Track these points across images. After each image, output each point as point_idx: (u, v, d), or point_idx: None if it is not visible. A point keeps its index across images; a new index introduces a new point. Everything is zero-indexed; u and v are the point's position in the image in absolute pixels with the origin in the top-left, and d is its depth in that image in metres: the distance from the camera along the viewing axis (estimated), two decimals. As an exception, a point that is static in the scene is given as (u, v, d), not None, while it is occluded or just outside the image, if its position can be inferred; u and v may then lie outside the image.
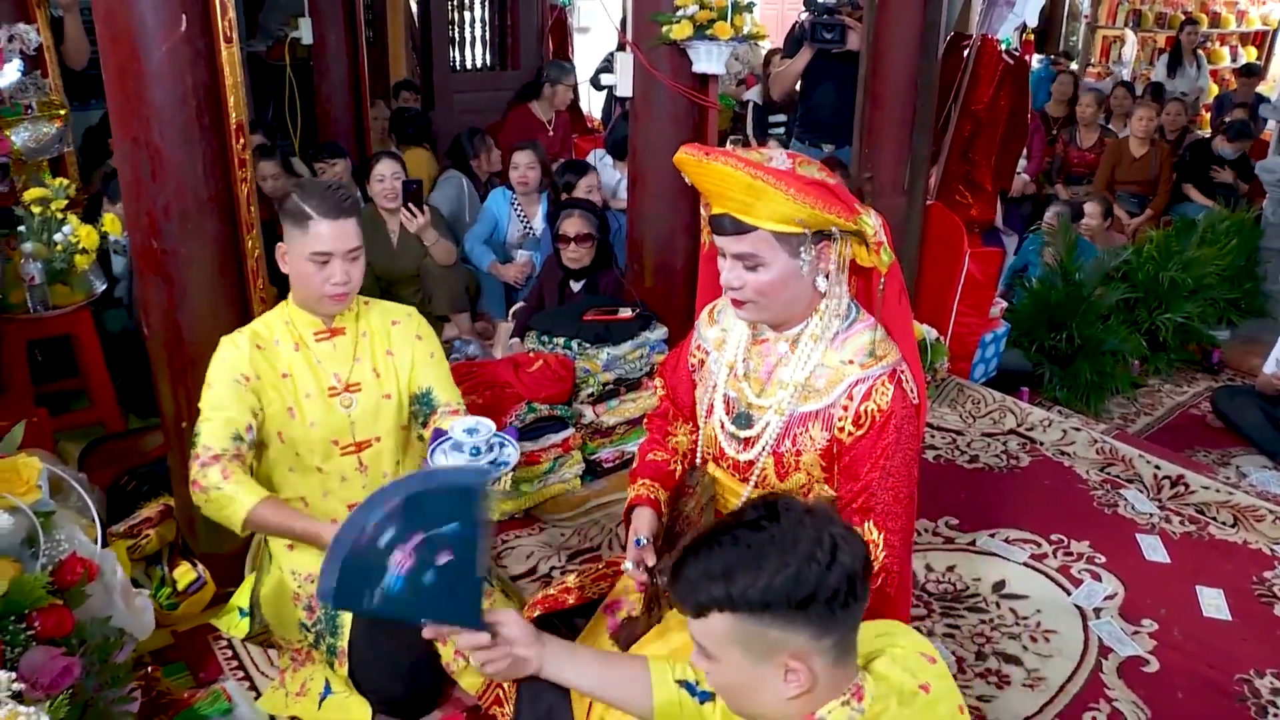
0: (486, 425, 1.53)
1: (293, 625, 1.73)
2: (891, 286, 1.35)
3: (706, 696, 1.04)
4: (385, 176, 3.08)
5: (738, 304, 1.32)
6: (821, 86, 3.65)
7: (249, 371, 1.61)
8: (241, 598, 1.83)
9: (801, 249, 1.27)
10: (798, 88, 3.85)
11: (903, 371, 1.31)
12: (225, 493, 1.49)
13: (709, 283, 1.52)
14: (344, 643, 1.66)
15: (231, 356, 1.62)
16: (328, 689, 1.69)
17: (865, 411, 1.28)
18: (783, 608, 0.88)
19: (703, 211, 1.47)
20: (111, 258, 2.66)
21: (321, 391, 1.66)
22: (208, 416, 1.57)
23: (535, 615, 1.50)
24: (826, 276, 1.30)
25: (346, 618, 1.67)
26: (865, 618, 1.38)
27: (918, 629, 2.03)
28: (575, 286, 2.90)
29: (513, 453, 1.54)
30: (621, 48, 3.27)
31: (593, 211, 2.90)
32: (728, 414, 1.39)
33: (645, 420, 1.65)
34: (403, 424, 1.74)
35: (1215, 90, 6.98)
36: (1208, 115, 6.71)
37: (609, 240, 2.99)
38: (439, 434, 1.57)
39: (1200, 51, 6.78)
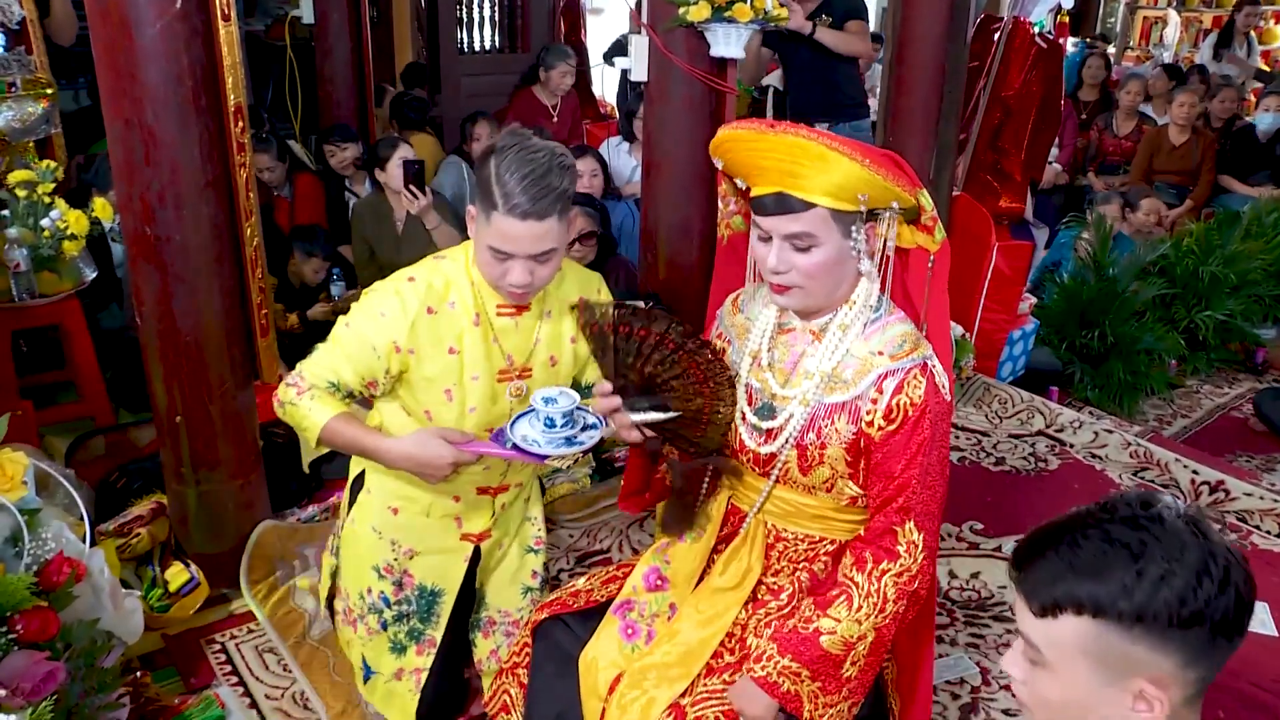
0: (569, 397, 1.37)
1: (354, 592, 1.60)
2: (941, 265, 1.30)
3: None
4: (399, 163, 3.00)
5: (782, 290, 1.26)
6: (794, 68, 3.62)
7: (404, 342, 1.37)
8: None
9: (853, 228, 1.23)
10: (771, 78, 3.86)
11: (934, 365, 1.26)
12: (300, 408, 1.39)
13: (726, 278, 1.46)
14: (437, 633, 1.55)
15: (392, 316, 1.37)
16: (368, 669, 1.59)
17: (897, 405, 1.23)
18: (1161, 624, 0.75)
19: (721, 205, 1.41)
20: (111, 246, 2.60)
21: (490, 374, 1.44)
22: (322, 354, 1.41)
23: (541, 618, 1.44)
24: (871, 257, 1.26)
25: (445, 608, 1.57)
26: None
27: (940, 638, 1.96)
28: None
29: (594, 434, 1.39)
30: (636, 30, 3.18)
31: (590, 204, 2.83)
32: (750, 405, 1.34)
33: None
34: None
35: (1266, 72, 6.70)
36: (1255, 101, 6.45)
37: (610, 231, 2.91)
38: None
39: (1252, 31, 6.46)
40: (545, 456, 1.36)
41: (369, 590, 1.59)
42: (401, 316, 1.37)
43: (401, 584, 1.58)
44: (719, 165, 1.33)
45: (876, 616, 1.22)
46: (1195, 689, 0.80)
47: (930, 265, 1.29)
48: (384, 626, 1.59)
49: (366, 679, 1.61)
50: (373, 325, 1.38)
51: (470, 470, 1.50)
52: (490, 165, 1.31)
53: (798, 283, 1.23)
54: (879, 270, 1.28)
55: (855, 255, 1.24)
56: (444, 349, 1.41)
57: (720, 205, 1.42)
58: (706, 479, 1.41)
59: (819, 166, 1.17)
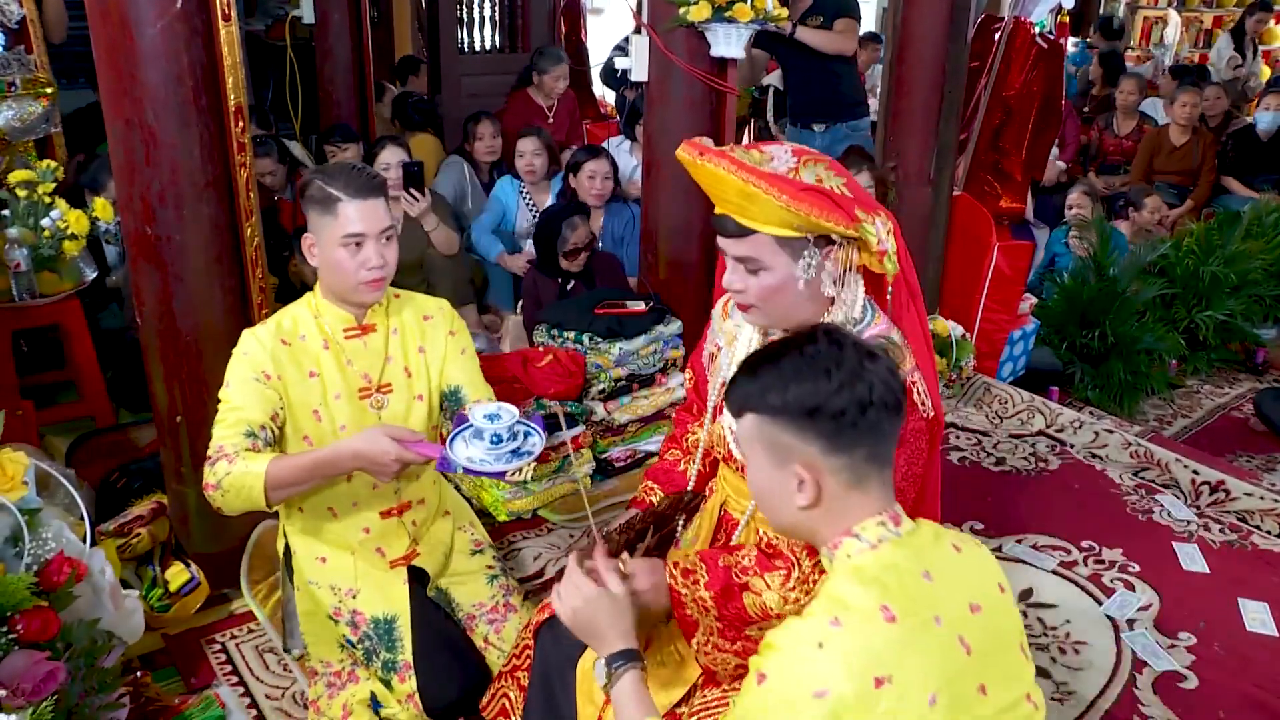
0: (509, 411, 1.46)
1: (332, 645, 1.66)
2: (899, 293, 1.30)
3: None
4: (390, 165, 3.00)
5: (742, 308, 1.29)
6: (791, 70, 3.67)
7: (271, 370, 1.52)
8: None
9: (804, 253, 1.23)
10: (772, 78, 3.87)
11: (914, 382, 1.24)
12: (235, 474, 1.40)
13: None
14: (406, 656, 1.59)
15: (253, 352, 1.53)
16: (375, 703, 1.61)
17: None
18: (793, 415, 0.97)
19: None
20: (104, 247, 2.60)
21: (351, 393, 1.58)
22: (222, 417, 1.49)
23: (544, 618, 1.44)
24: (834, 281, 1.26)
25: (405, 631, 1.60)
26: None
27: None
28: (570, 285, 2.83)
29: (537, 442, 1.46)
30: (637, 30, 3.18)
31: (582, 209, 2.86)
32: None
33: (675, 414, 1.61)
34: (434, 424, 1.68)
35: (1268, 74, 6.66)
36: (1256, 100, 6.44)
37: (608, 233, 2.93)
38: (460, 420, 1.50)
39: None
40: (502, 473, 1.43)
41: (342, 638, 1.64)
42: (260, 350, 1.54)
43: (355, 623, 1.63)
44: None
45: (802, 602, 1.22)
46: (849, 475, 0.98)
47: (889, 293, 1.29)
48: (367, 664, 1.63)
49: (378, 711, 1.62)
50: (244, 365, 1.54)
51: (366, 502, 1.61)
52: (314, 184, 1.52)
53: (754, 302, 1.25)
54: (866, 286, 1.27)
55: (807, 281, 1.23)
56: (305, 373, 1.57)
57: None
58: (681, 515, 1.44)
59: (745, 198, 1.18)
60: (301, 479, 1.45)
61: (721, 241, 1.25)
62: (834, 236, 1.22)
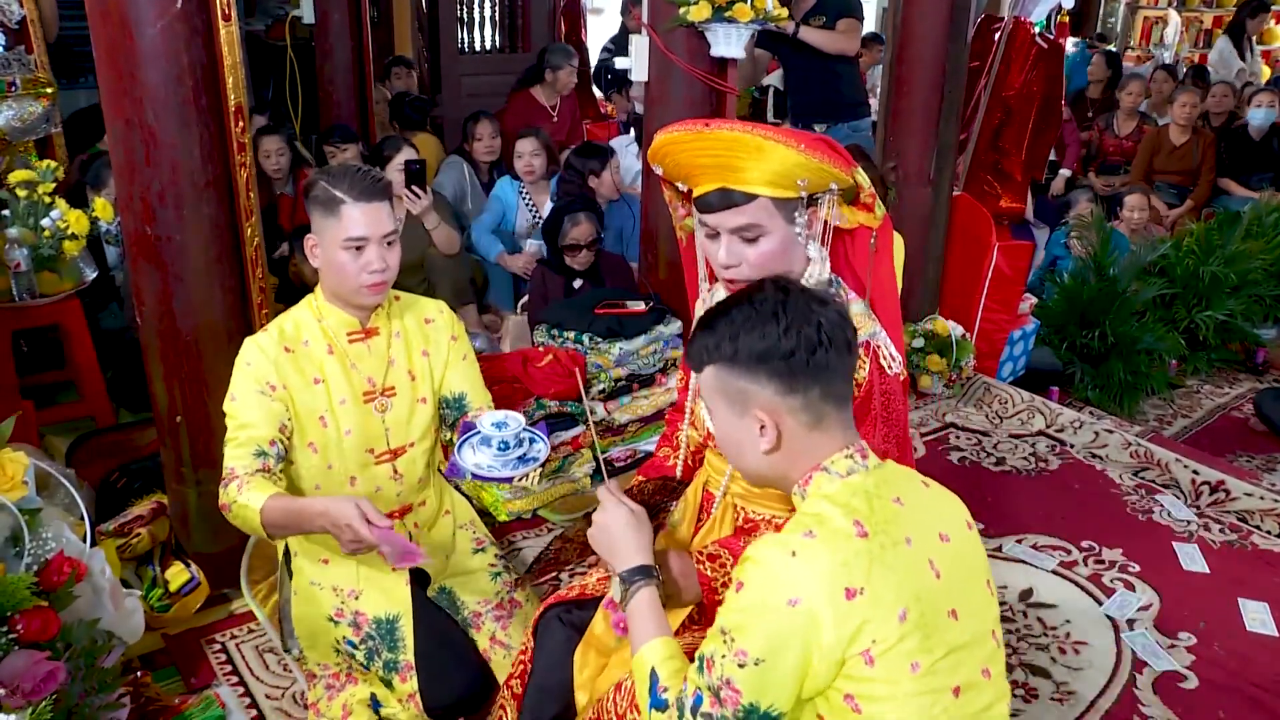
0: (516, 419, 1.50)
1: (328, 647, 1.66)
2: (883, 240, 1.33)
3: (660, 704, 1.04)
4: (402, 165, 3.00)
5: (735, 284, 1.29)
6: (792, 70, 3.68)
7: (275, 380, 1.53)
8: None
9: (796, 214, 1.27)
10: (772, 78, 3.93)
11: (879, 344, 1.29)
12: (240, 503, 1.42)
13: (694, 276, 1.50)
14: (408, 656, 1.59)
15: (257, 362, 1.53)
16: (375, 703, 1.61)
17: None
18: (746, 360, 1.01)
19: (671, 210, 1.46)
20: (105, 248, 2.60)
21: (356, 396, 1.59)
22: (233, 435, 1.50)
23: (540, 614, 1.46)
24: (818, 242, 1.31)
25: (407, 631, 1.61)
26: None
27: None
28: (577, 283, 2.83)
29: (543, 448, 1.50)
30: (630, 29, 3.18)
31: (591, 207, 2.85)
32: None
33: (668, 414, 1.64)
34: (435, 427, 1.69)
35: (1268, 73, 6.69)
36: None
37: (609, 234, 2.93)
38: (467, 427, 1.53)
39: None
40: (509, 479, 1.46)
41: (339, 640, 1.64)
42: (264, 359, 1.54)
43: (357, 624, 1.63)
44: (659, 172, 1.37)
45: None
46: (807, 415, 1.02)
47: (873, 241, 1.32)
48: (367, 665, 1.63)
49: (378, 711, 1.62)
50: (248, 377, 1.53)
51: (370, 499, 1.57)
52: (319, 185, 1.52)
53: (748, 275, 1.26)
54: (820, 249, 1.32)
55: (801, 240, 1.28)
56: (309, 380, 1.57)
57: (670, 211, 1.47)
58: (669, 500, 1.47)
59: (757, 157, 1.21)
60: (290, 523, 1.45)
61: (714, 218, 1.26)
62: (817, 196, 1.27)
